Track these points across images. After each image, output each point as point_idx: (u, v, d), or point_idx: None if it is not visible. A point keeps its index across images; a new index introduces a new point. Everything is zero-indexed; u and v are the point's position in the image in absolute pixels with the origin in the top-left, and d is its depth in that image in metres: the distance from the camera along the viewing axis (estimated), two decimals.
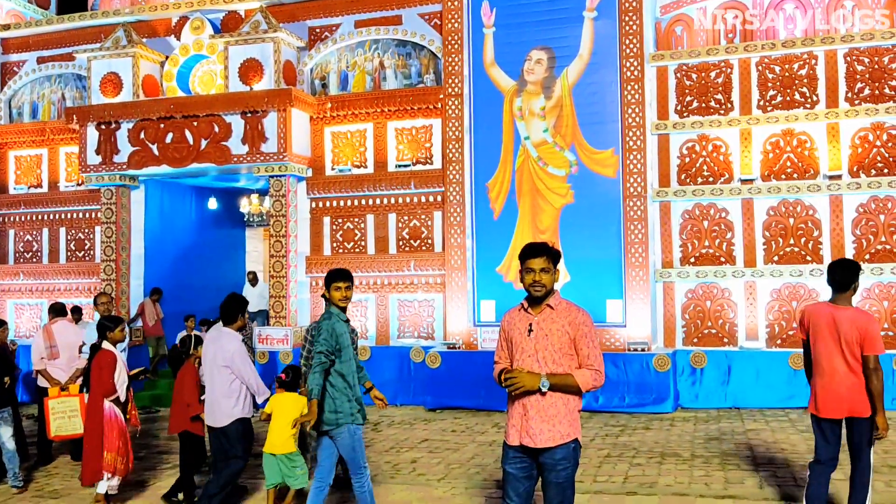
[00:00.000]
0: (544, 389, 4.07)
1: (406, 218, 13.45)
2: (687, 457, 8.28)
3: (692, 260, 12.19)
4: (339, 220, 13.80)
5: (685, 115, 12.27)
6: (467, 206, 12.71)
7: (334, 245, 13.81)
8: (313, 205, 13.86)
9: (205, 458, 7.51)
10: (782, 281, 11.75)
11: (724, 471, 7.61)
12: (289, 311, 13.30)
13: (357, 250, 13.67)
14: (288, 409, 6.54)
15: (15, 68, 15.87)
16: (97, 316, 10.11)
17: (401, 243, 13.44)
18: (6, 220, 15.70)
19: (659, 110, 12.36)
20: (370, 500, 5.78)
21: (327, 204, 13.81)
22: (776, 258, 11.83)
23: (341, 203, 13.74)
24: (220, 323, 6.63)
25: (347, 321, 5.78)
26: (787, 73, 11.87)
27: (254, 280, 15.17)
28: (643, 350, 11.50)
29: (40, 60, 15.67)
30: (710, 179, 12.14)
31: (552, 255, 4.26)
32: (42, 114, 15.68)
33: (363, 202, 13.63)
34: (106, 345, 6.88)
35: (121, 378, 6.99)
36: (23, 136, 15.49)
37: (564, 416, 4.10)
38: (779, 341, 11.71)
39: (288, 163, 13.15)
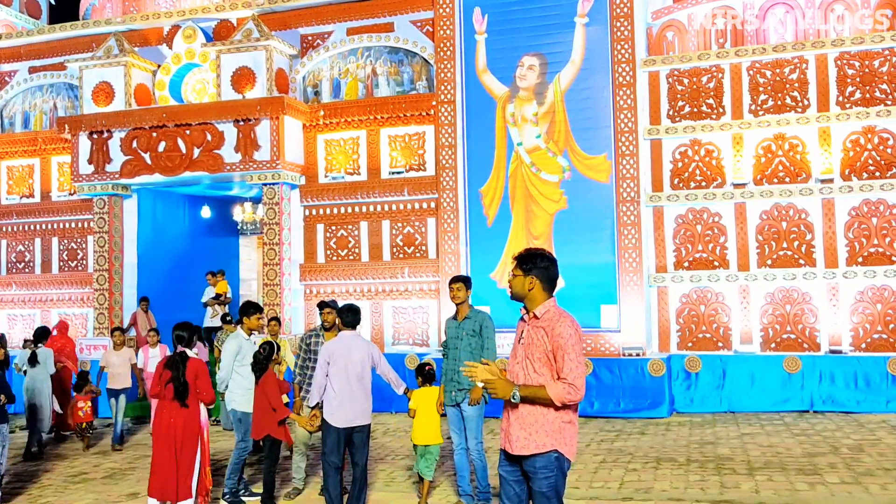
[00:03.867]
0: (514, 401, 4.10)
1: (400, 225, 13.44)
2: (682, 461, 8.26)
3: (686, 264, 12.20)
4: (333, 228, 13.78)
5: (677, 119, 12.30)
6: (461, 213, 12.71)
7: (328, 252, 13.79)
8: (307, 212, 13.84)
9: (278, 460, 7.43)
10: (776, 284, 11.77)
11: (720, 475, 7.60)
12: (283, 319, 13.25)
13: (351, 258, 13.65)
14: (431, 401, 7.03)
15: (6, 78, 15.83)
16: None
17: (395, 250, 13.43)
18: None
19: (651, 115, 12.38)
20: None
21: (321, 211, 13.79)
22: (769, 262, 11.85)
23: (335, 210, 13.73)
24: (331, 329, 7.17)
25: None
26: (778, 78, 11.91)
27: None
28: (638, 355, 11.50)
29: (32, 70, 15.64)
30: (703, 184, 12.17)
31: (521, 261, 4.25)
32: (34, 123, 15.64)
33: (357, 209, 13.62)
34: (191, 353, 6.64)
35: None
36: (14, 146, 15.45)
37: (542, 425, 4.08)
38: (773, 345, 11.73)
39: (281, 171, 13.13)
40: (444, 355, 7.05)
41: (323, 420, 6.45)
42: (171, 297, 14.77)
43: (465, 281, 6.88)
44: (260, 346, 7.13)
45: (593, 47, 12.21)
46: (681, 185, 12.26)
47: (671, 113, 12.35)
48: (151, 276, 14.73)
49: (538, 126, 12.39)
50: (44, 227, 15.35)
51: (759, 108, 11.98)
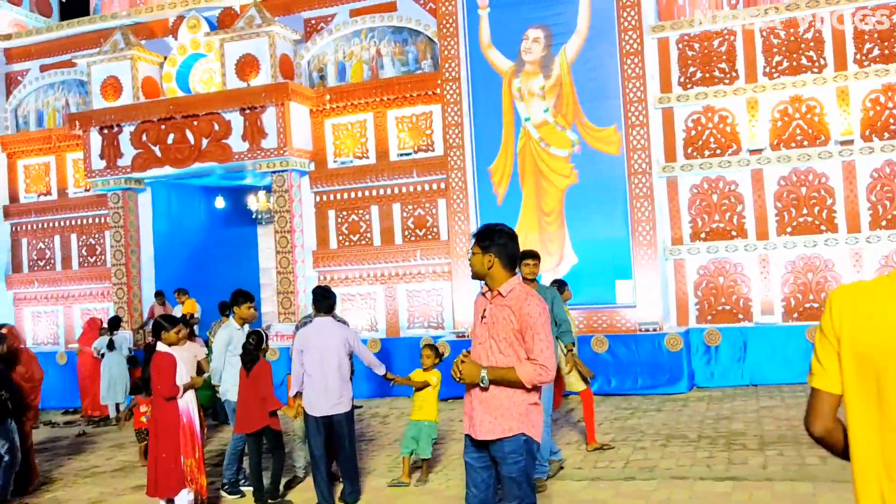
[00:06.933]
0: (483, 385, 3.90)
1: (410, 207, 13.27)
2: (693, 438, 8.01)
3: (702, 235, 11.86)
4: (344, 213, 13.67)
5: (689, 86, 11.91)
6: (470, 192, 12.50)
7: (340, 238, 13.69)
8: (317, 198, 13.75)
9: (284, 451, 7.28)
10: (797, 252, 11.37)
11: (729, 451, 7.34)
12: (297, 306, 13.22)
13: (363, 242, 13.53)
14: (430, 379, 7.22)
15: (19, 77, 15.96)
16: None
17: (406, 233, 13.28)
18: (18, 228, 15.83)
19: (662, 83, 12.01)
20: None
21: (331, 197, 13.68)
22: (789, 229, 11.45)
23: (345, 195, 13.61)
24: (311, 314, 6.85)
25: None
26: (792, 38, 11.45)
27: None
28: (654, 330, 11.22)
29: (43, 68, 15.75)
30: (718, 151, 11.79)
31: (479, 238, 4.05)
32: (47, 121, 15.77)
33: (367, 193, 13.48)
34: (161, 346, 6.34)
35: (183, 381, 6.37)
36: (30, 145, 15.60)
37: (508, 409, 3.90)
38: (795, 315, 11.35)
39: (289, 157, 13.04)
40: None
41: (304, 409, 6.34)
42: (190, 289, 14.76)
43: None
44: (248, 336, 6.98)
45: (599, 16, 11.85)
46: (694, 153, 11.89)
47: (682, 80, 11.96)
48: (169, 269, 14.78)
49: (545, 100, 12.10)
50: (62, 223, 15.51)
51: (773, 70, 11.54)
